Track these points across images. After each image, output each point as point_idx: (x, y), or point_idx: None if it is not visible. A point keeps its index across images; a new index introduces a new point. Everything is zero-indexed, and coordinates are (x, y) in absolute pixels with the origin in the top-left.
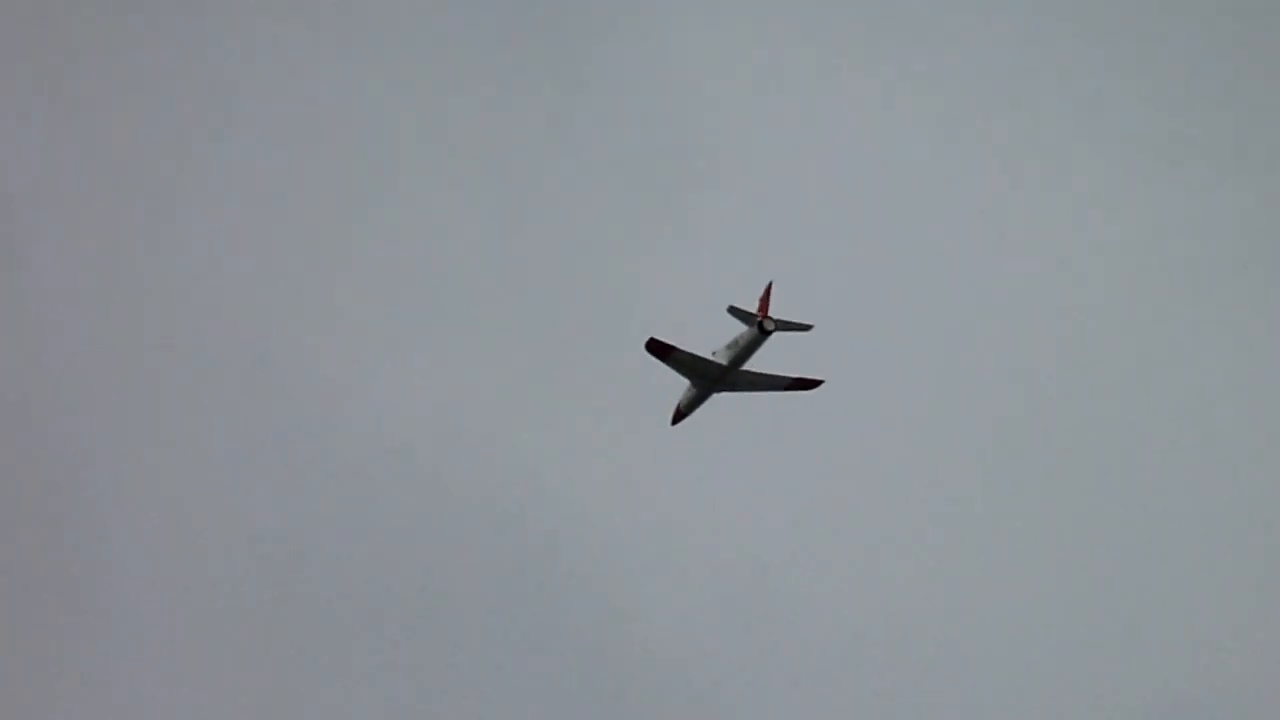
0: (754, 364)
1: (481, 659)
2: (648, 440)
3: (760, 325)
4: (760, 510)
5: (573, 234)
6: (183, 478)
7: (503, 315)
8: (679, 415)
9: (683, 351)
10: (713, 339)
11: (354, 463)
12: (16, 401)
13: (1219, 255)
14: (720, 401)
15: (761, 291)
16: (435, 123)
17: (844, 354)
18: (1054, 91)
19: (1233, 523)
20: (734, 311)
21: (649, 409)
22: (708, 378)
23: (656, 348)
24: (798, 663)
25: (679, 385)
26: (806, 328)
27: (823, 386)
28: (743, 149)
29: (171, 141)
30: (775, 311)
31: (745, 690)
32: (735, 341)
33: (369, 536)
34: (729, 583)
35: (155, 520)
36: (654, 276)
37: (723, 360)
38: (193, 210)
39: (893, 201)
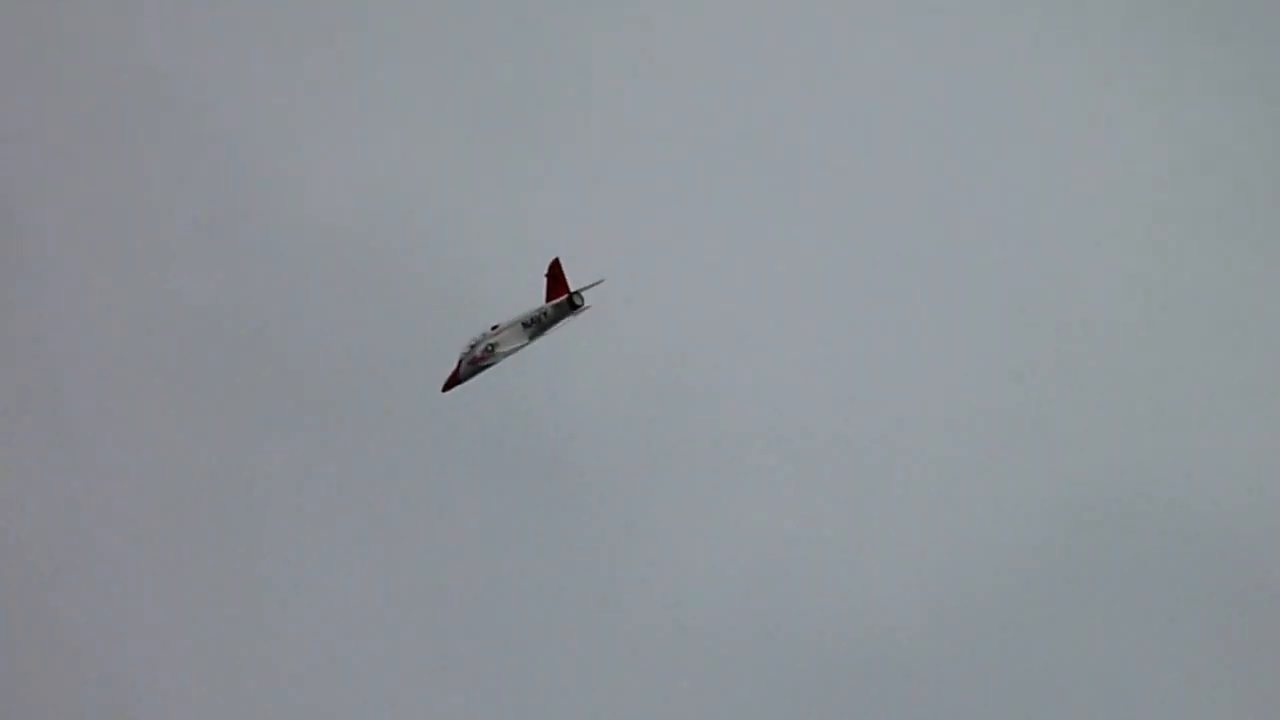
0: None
1: (411, 432)
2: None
3: (571, 302)
4: (688, 304)
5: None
6: (136, 249)
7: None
8: (455, 381)
9: (496, 355)
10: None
11: (304, 236)
12: None
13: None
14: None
15: (547, 269)
16: None
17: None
18: None
19: None
20: (549, 304)
21: (597, 187)
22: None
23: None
24: (710, 453)
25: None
26: (599, 282)
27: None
28: None
29: None
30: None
31: (653, 475)
32: (538, 319)
33: (318, 309)
34: (650, 373)
35: (109, 290)
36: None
37: (528, 339)
38: None
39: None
